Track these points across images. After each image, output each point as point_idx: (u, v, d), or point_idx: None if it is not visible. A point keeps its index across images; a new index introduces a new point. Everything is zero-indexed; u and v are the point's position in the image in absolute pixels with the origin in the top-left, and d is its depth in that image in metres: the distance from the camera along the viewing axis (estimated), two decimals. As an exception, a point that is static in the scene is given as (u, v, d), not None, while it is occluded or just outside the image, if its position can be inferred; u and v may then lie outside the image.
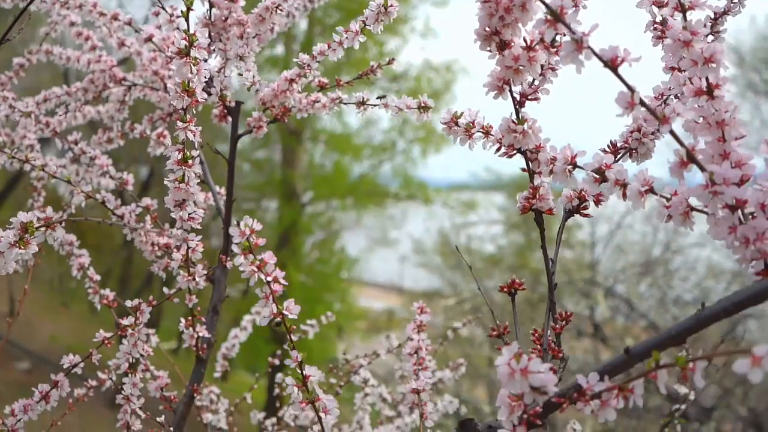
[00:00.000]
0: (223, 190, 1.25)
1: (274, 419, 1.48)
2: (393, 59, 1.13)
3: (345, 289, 11.85)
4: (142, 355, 1.08)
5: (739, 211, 0.59)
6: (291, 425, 1.45)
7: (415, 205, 12.28)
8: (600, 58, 0.57)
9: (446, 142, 11.58)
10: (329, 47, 1.01)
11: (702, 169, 0.57)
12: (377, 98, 1.04)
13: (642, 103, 0.57)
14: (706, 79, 0.60)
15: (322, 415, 0.73)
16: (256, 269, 0.70)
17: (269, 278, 0.70)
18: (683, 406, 1.19)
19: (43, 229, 0.76)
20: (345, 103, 1.07)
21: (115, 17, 1.19)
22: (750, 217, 0.59)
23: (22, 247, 0.74)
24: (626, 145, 0.77)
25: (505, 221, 10.96)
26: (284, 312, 0.71)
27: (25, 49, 1.42)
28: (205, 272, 1.01)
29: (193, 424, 1.55)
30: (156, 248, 1.13)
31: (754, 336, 6.38)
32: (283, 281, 0.70)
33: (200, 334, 1.08)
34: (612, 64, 0.57)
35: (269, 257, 0.70)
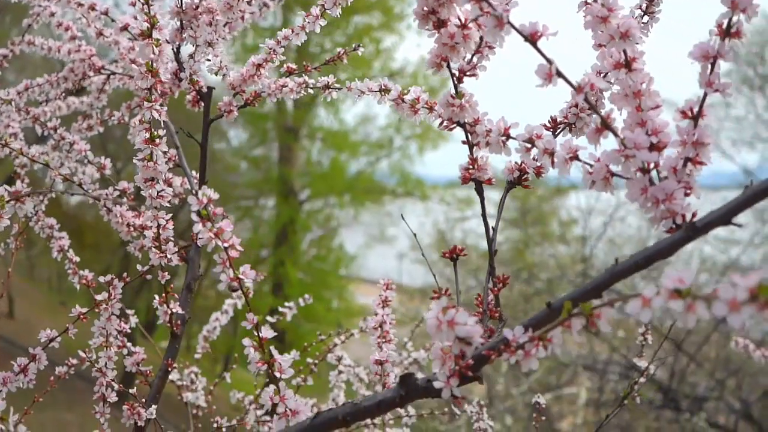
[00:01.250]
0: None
1: (251, 397, 1.53)
2: (359, 45, 1.17)
3: (343, 286, 11.89)
4: (119, 331, 1.13)
5: (654, 174, 0.64)
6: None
7: (412, 201, 12.32)
8: (520, 33, 0.61)
9: (443, 139, 11.62)
10: (293, 32, 1.06)
11: (615, 135, 0.62)
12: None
13: (559, 74, 0.61)
14: (624, 52, 0.65)
15: (277, 374, 0.77)
16: (213, 236, 0.74)
17: (226, 245, 0.74)
18: (642, 380, 1.24)
19: (12, 202, 0.81)
20: (311, 88, 1.12)
21: (92, 7, 1.24)
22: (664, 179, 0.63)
23: (-6, 220, 0.79)
24: (565, 120, 0.81)
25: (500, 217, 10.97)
26: (240, 276, 0.75)
27: (9, 40, 1.46)
28: (177, 249, 1.05)
29: (171, 404, 1.59)
30: (131, 229, 1.17)
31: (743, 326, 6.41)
32: (239, 248, 0.75)
33: (174, 311, 1.12)
34: (532, 38, 0.61)
35: (226, 225, 0.75)
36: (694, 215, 0.61)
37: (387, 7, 11.40)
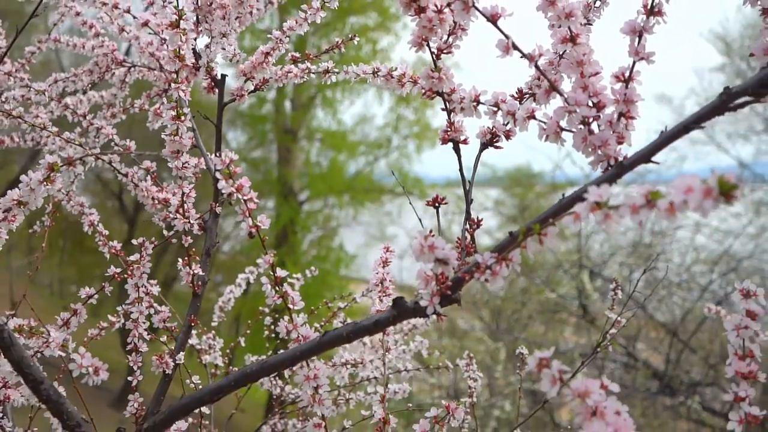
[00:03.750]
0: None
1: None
2: (355, 35, 1.32)
3: (344, 286, 12.01)
4: (146, 293, 1.27)
5: (595, 126, 0.79)
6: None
7: (411, 199, 12.43)
8: (483, 14, 0.76)
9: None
10: (296, 23, 1.22)
11: (561, 94, 0.77)
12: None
13: (515, 47, 0.76)
14: (569, 29, 0.80)
15: (290, 306, 0.92)
16: (235, 190, 0.89)
17: (246, 198, 0.89)
18: (613, 331, 1.38)
19: (65, 166, 0.96)
20: (313, 73, 1.27)
21: (115, 6, 1.38)
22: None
23: (49, 183, 0.94)
24: (530, 91, 0.96)
25: (497, 212, 11.15)
26: (258, 224, 0.90)
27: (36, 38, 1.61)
28: (198, 216, 1.20)
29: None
30: (156, 202, 1.32)
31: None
32: (256, 200, 0.90)
33: (196, 273, 1.27)
34: (493, 18, 0.76)
35: (245, 182, 0.90)
36: (625, 158, 0.76)
37: (383, 7, 11.55)
